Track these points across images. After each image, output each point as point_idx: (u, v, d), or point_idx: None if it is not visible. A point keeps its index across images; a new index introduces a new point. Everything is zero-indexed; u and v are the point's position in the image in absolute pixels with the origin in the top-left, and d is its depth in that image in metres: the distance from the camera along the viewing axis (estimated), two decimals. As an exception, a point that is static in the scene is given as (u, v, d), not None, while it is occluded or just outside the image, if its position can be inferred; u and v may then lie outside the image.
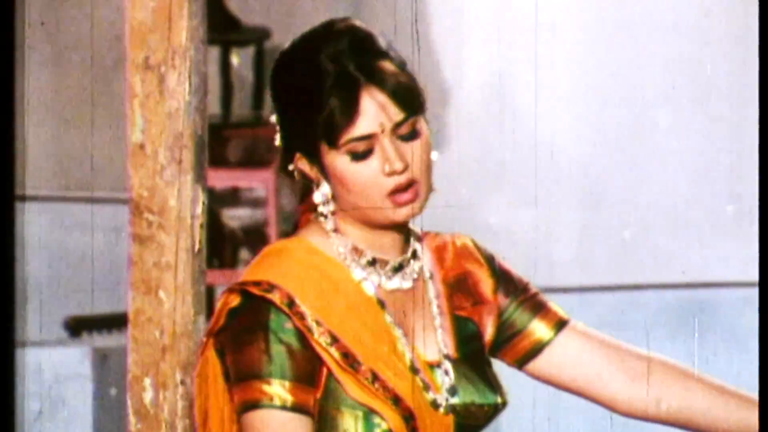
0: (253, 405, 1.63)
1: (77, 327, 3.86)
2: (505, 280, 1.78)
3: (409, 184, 1.66)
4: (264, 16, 4.87)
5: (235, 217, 4.17)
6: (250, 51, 4.77)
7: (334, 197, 1.70)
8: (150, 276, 2.26)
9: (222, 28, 4.27)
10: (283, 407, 1.62)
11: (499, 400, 1.73)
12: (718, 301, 4.31)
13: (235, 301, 1.67)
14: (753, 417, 1.75)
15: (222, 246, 4.19)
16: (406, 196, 1.66)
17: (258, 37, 4.66)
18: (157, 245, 2.25)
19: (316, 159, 1.68)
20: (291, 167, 1.73)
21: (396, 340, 1.69)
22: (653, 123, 4.41)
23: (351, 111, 1.64)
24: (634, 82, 4.57)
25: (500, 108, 4.80)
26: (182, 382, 2.21)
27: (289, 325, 1.63)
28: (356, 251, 1.70)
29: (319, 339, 1.63)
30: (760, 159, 2.11)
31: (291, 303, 1.64)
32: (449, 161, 4.65)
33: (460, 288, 1.77)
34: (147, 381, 2.24)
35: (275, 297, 1.63)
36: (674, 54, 4.57)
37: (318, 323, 1.64)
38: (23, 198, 3.47)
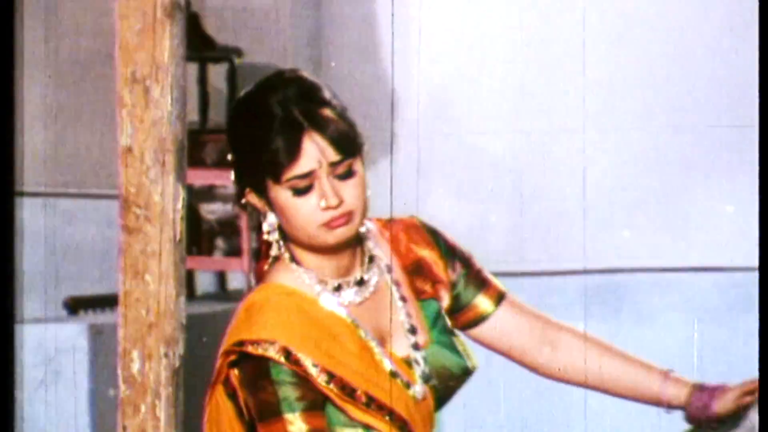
0: None
1: (75, 306, 3.82)
2: (452, 256, 1.74)
3: (342, 217, 1.60)
4: (236, 36, 4.87)
5: (211, 211, 4.13)
6: (224, 66, 4.76)
7: (280, 227, 1.65)
8: (137, 262, 2.23)
9: (199, 47, 4.21)
10: None
11: (470, 364, 1.69)
12: (630, 284, 4.32)
13: (233, 357, 1.61)
14: (651, 380, 1.75)
15: (200, 236, 4.16)
16: (339, 220, 1.60)
17: (230, 55, 4.60)
18: (144, 235, 2.22)
19: (263, 193, 1.62)
20: (243, 201, 1.67)
21: (373, 352, 1.64)
22: (574, 126, 4.35)
23: (294, 151, 1.58)
24: (560, 92, 4.40)
25: (443, 116, 4.79)
26: (165, 355, 2.21)
27: (287, 368, 1.58)
28: (321, 282, 1.64)
29: (318, 379, 1.58)
30: (760, 159, 2.06)
31: (288, 354, 1.58)
32: (398, 164, 4.65)
33: (418, 273, 1.73)
34: (135, 353, 2.22)
35: (273, 354, 1.57)
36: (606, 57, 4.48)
37: (314, 365, 1.59)
38: (22, 194, 3.46)
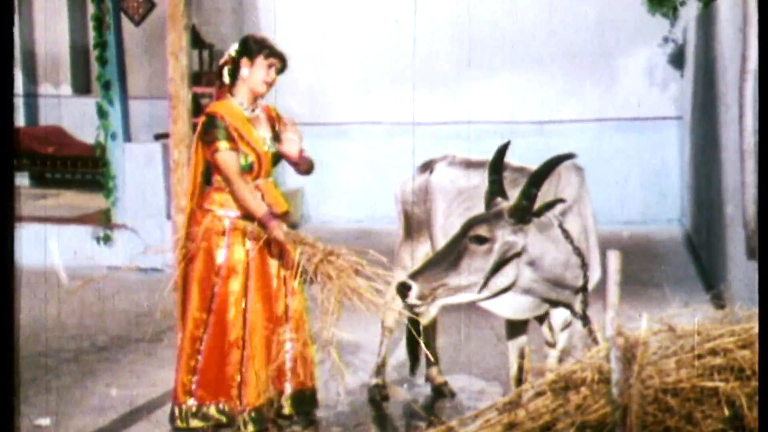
0: (216, 151, 3.66)
1: (157, 137, 6.93)
2: (280, 119, 3.80)
3: (271, 83, 3.69)
4: (212, 35, 7.78)
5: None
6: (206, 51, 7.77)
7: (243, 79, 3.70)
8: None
9: (194, 41, 6.82)
10: (226, 149, 3.64)
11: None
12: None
13: (204, 117, 3.74)
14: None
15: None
16: (269, 86, 3.71)
17: (210, 46, 7.80)
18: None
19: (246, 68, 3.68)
20: (224, 76, 3.74)
21: (257, 134, 3.71)
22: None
23: (257, 54, 3.67)
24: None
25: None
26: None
27: (222, 123, 3.66)
28: (243, 106, 3.73)
29: (233, 131, 3.65)
30: (760, 159, 1.89)
31: (223, 118, 3.69)
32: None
33: (270, 120, 3.79)
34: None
35: (218, 116, 3.66)
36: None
37: (233, 126, 3.66)
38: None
